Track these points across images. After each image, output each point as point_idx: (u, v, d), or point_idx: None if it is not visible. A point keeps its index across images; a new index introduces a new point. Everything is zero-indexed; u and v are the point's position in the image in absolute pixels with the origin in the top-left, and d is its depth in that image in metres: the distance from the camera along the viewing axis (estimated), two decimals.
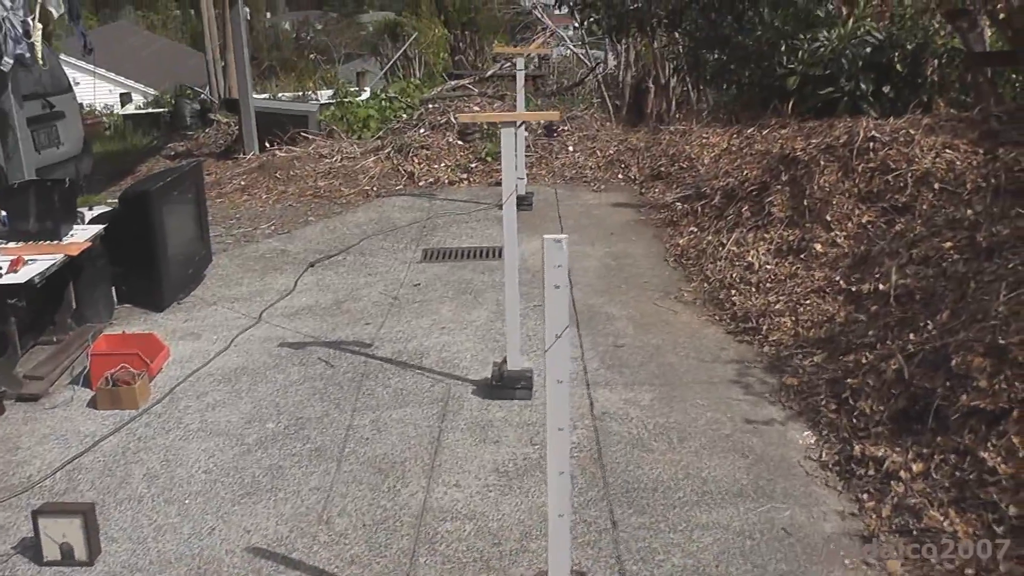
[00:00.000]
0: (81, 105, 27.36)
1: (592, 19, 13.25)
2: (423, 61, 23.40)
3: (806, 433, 5.00)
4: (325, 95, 19.90)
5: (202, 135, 15.42)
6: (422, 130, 12.55)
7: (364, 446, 5.19)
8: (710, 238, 8.05)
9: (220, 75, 18.49)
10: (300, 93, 20.20)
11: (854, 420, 4.83)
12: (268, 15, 70.76)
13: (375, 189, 11.22)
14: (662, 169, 10.71)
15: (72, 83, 11.50)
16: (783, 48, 9.87)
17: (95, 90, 27.14)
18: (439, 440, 5.20)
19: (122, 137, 19.87)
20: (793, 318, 6.23)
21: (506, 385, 5.65)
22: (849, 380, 5.11)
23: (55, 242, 6.74)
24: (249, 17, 63.06)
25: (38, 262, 6.29)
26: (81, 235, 6.92)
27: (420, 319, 7.03)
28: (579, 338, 6.51)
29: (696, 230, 8.43)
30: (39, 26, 7.00)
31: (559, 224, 9.39)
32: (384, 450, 5.13)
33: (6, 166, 7.69)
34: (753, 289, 6.86)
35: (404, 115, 13.57)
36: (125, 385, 5.90)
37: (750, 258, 7.30)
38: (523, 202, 9.76)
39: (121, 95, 28.16)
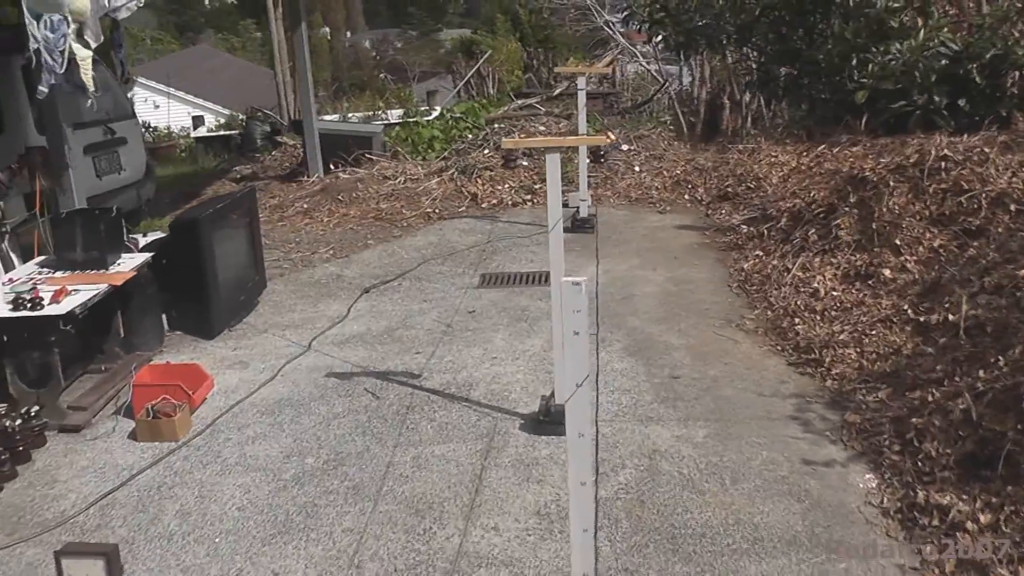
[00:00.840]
0: (156, 128, 27.94)
1: (660, 36, 12.96)
2: (496, 79, 23.28)
3: (867, 476, 4.69)
4: (396, 115, 19.87)
5: (268, 157, 15.43)
6: (486, 151, 12.38)
7: (403, 484, 4.99)
8: (775, 263, 7.74)
9: (289, 97, 18.52)
10: (371, 113, 20.17)
11: (919, 463, 4.51)
12: (348, 34, 71.36)
13: (437, 211, 11.07)
14: (729, 190, 10.41)
15: (135, 109, 11.53)
16: (854, 62, 9.50)
17: (169, 113, 27.66)
18: (480, 478, 4.98)
19: (194, 160, 20.03)
20: (858, 349, 5.90)
21: (553, 420, 5.40)
22: (914, 419, 4.78)
23: (101, 271, 6.65)
24: (329, 36, 63.68)
25: (81, 292, 6.21)
26: (128, 264, 6.83)
27: (472, 348, 6.83)
28: (635, 369, 6.24)
29: (761, 254, 8.12)
30: (86, 55, 6.92)
31: (620, 248, 9.13)
32: (423, 489, 4.93)
33: (59, 194, 7.64)
34: (817, 317, 6.54)
35: (470, 135, 13.41)
36: (166, 417, 5.79)
37: (816, 284, 6.99)
38: (584, 224, 9.55)
39: (193, 118, 28.55)
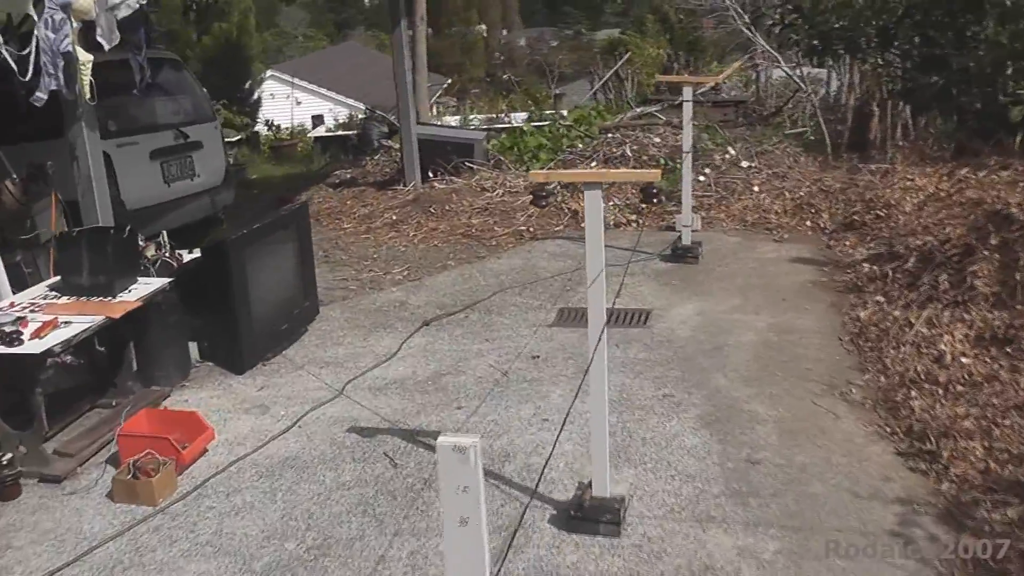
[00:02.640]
0: (279, 126, 27.66)
1: (792, 39, 11.71)
2: (636, 82, 22.17)
3: None
4: (520, 118, 18.99)
5: (371, 162, 14.67)
6: (594, 163, 11.34)
7: None
8: (897, 313, 6.51)
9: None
10: (493, 116, 19.34)
11: None
12: (504, 32, 71.18)
13: (531, 230, 10.08)
14: (856, 218, 9.14)
15: (214, 111, 10.86)
16: (1009, 71, 8.13)
17: (291, 112, 27.36)
18: None
19: (309, 160, 19.51)
20: (985, 444, 4.67)
21: (587, 517, 4.37)
22: None
23: (106, 300, 5.89)
24: (485, 34, 63.45)
25: (73, 325, 5.44)
26: (141, 291, 6.04)
27: (523, 405, 5.81)
28: (707, 446, 5.13)
29: (882, 300, 6.89)
30: (87, 59, 6.16)
31: (723, 283, 7.98)
32: None
33: (81, 206, 6.92)
34: (940, 391, 5.31)
35: (580, 144, 12.38)
36: (145, 477, 4.95)
37: (942, 346, 5.76)
38: (687, 253, 8.46)
39: (313, 117, 28.14)
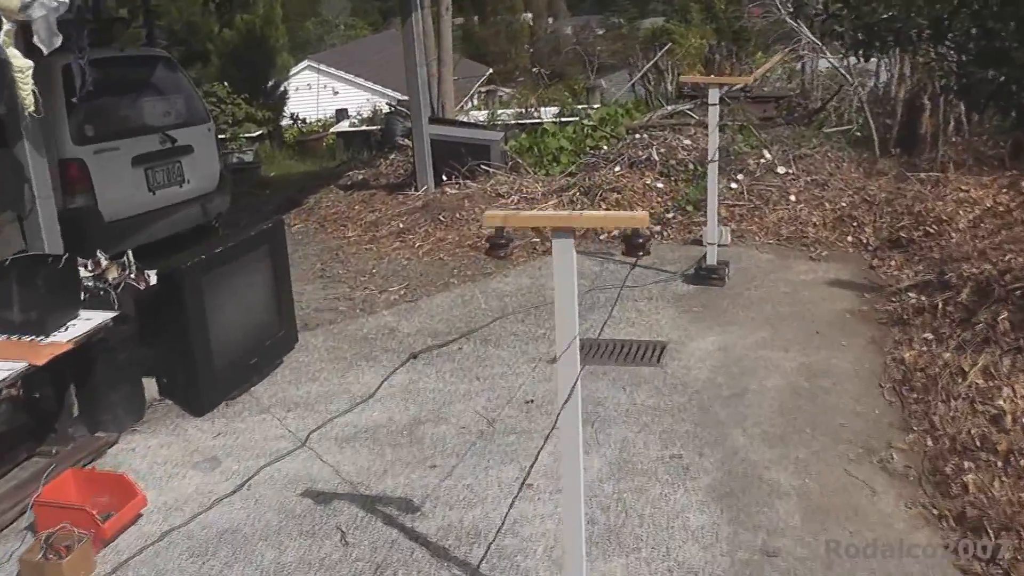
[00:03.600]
0: (305, 120, 26.94)
1: (835, 31, 10.74)
2: (676, 74, 21.24)
3: None
4: (551, 112, 18.14)
5: (384, 163, 13.88)
6: (617, 168, 10.48)
7: None
8: (947, 356, 5.64)
9: (434, 89, 16.91)
10: (522, 110, 18.49)
11: None
12: (551, 20, 70.33)
13: (546, 242, 9.24)
14: (902, 234, 8.25)
15: (208, 112, 10.12)
16: None
17: (317, 104, 26.62)
18: None
19: (332, 156, 18.80)
20: None
21: None
22: None
23: (38, 339, 5.16)
24: (532, 22, 62.66)
25: None
26: (81, 327, 5.30)
27: (506, 466, 5.02)
28: (716, 527, 4.31)
29: (931, 339, 6.02)
30: (25, 65, 5.39)
31: (751, 311, 7.13)
32: None
33: (24, 226, 6.18)
34: (999, 464, 4.45)
35: (605, 146, 11.52)
36: (55, 556, 4.22)
37: (1001, 402, 4.89)
38: (712, 275, 7.62)
39: (337, 111, 27.37)
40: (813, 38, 16.26)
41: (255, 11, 23.77)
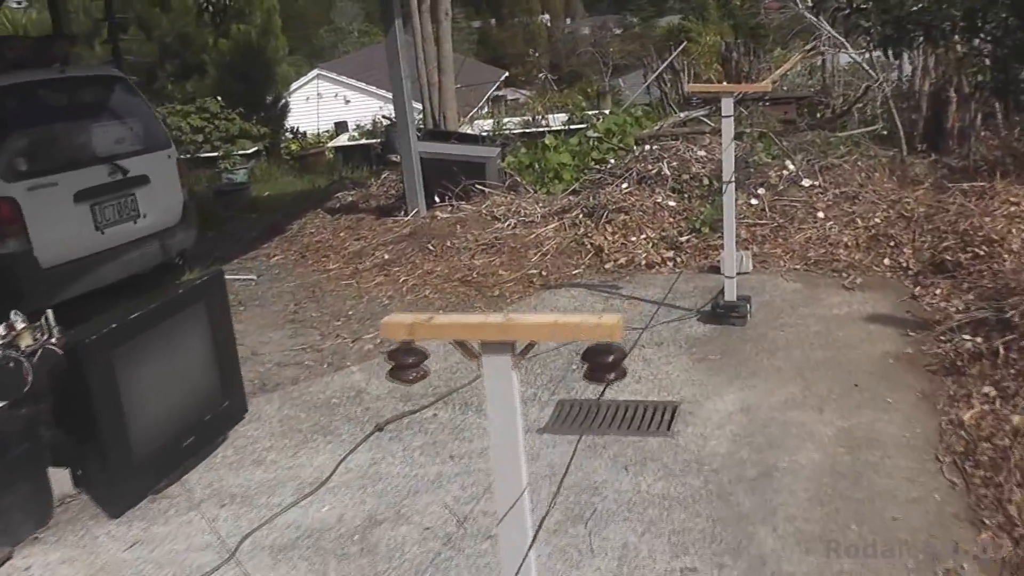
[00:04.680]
0: (305, 134, 25.94)
1: (860, 27, 9.70)
2: (692, 74, 20.20)
3: None
4: (560, 120, 17.16)
5: (375, 182, 12.90)
6: (625, 184, 9.47)
7: None
8: (1017, 420, 4.62)
9: (434, 98, 15.92)
10: (530, 118, 17.49)
11: None
12: (568, 21, 69.59)
13: (544, 273, 8.28)
14: (947, 256, 7.21)
15: (168, 136, 9.15)
16: None
17: (319, 116, 25.63)
18: None
19: (330, 172, 17.86)
20: None
21: None
22: None
23: None
24: (549, 23, 62.03)
25: None
26: None
27: None
28: None
29: (993, 394, 5.01)
30: None
31: (776, 358, 6.10)
32: None
33: None
34: None
35: (612, 159, 10.50)
36: None
37: None
38: (731, 313, 6.62)
39: (336, 124, 26.35)
40: (834, 33, 15.23)
41: (252, 21, 22.81)
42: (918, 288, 7.01)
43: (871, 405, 5.31)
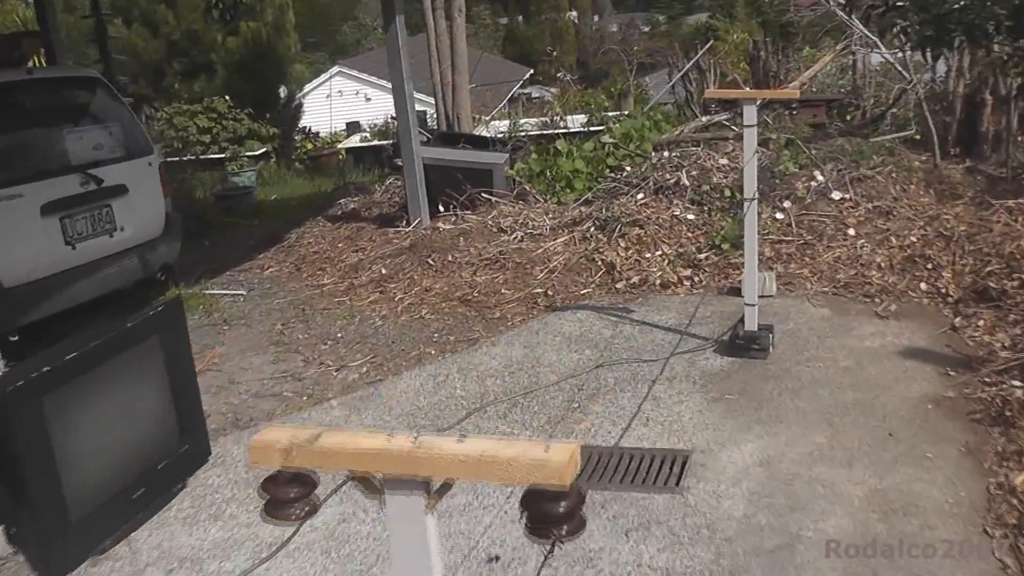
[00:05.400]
0: (317, 135, 25.34)
1: (898, 27, 9.03)
2: (719, 73, 19.50)
3: None
4: (578, 122, 16.49)
5: (380, 188, 12.30)
6: (640, 195, 8.83)
7: None
8: None
9: (448, 99, 15.30)
10: (547, 119, 16.86)
11: None
12: (596, 18, 69.06)
13: (550, 292, 7.67)
14: (991, 283, 6.55)
15: (150, 142, 8.56)
16: None
17: (331, 118, 24.99)
18: None
19: (341, 174, 17.28)
20: None
21: None
22: None
23: None
24: (576, 20, 61.68)
25: None
26: None
27: None
28: None
29: None
30: None
31: (801, 399, 5.46)
32: None
33: None
34: None
35: (628, 167, 9.85)
36: None
37: None
38: (752, 344, 6.01)
39: (348, 124, 25.72)
40: (866, 31, 14.54)
41: (263, 18, 22.20)
42: (959, 318, 6.34)
43: (908, 460, 4.67)
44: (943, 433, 4.91)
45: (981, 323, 6.12)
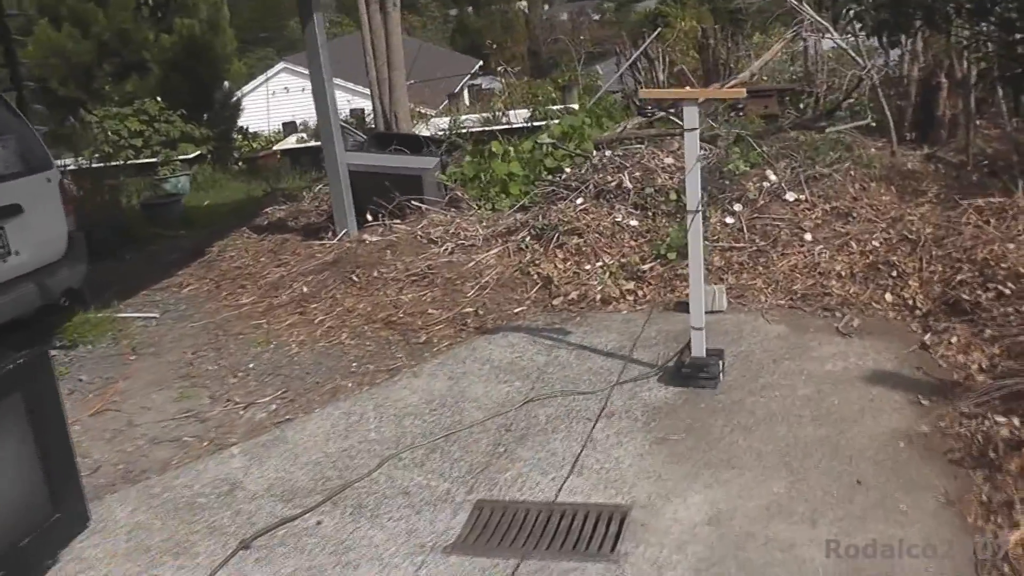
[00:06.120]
0: (256, 135, 24.46)
1: (852, 11, 8.48)
2: (667, 62, 18.89)
3: None
4: (522, 117, 15.81)
5: (308, 195, 11.58)
6: (580, 200, 8.18)
7: None
8: None
9: (386, 98, 14.55)
10: (489, 116, 16.16)
11: None
12: (546, 7, 68.66)
13: (481, 311, 7.01)
14: (963, 294, 5.94)
15: (49, 157, 7.76)
16: None
17: (268, 117, 24.11)
18: None
19: (277, 178, 16.50)
20: None
21: None
22: None
23: None
24: (527, 9, 61.23)
25: None
26: None
27: None
28: None
29: None
30: None
31: (754, 438, 4.82)
32: None
33: None
34: None
35: (567, 168, 9.18)
36: None
37: None
38: (699, 373, 5.40)
39: (284, 124, 24.88)
40: (817, 17, 14.00)
41: (197, 15, 21.29)
42: (929, 335, 5.72)
43: (879, 515, 4.04)
44: (918, 478, 4.29)
45: (954, 340, 5.51)
